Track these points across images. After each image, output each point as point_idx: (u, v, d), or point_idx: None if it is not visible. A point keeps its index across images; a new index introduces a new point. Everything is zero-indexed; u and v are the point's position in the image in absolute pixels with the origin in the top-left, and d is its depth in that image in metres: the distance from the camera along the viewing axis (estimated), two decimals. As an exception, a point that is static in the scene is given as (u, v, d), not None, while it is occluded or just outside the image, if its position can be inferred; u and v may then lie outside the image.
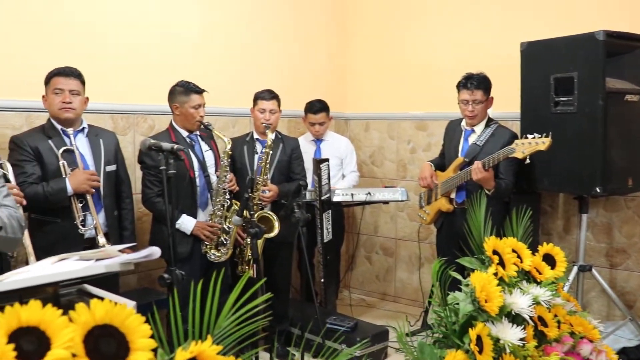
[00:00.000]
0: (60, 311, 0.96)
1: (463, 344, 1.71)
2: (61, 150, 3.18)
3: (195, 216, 3.66)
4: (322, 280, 4.40)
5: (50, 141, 3.19)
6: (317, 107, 4.79)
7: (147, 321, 1.02)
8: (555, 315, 1.94)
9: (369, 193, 4.49)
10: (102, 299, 1.39)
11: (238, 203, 3.66)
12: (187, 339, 1.13)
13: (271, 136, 3.92)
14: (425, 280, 5.07)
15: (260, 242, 3.81)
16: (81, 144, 3.30)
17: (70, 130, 3.24)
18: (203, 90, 3.70)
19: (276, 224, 3.82)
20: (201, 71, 4.19)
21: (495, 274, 1.92)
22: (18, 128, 3.54)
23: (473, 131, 4.00)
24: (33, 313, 0.93)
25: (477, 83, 3.91)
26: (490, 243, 2.05)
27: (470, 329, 1.68)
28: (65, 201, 3.13)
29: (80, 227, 3.16)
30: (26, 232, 2.58)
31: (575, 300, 2.16)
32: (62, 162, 3.17)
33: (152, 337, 1.01)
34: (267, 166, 3.91)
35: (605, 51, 3.57)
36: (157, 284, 2.63)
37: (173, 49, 4.30)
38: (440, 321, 1.87)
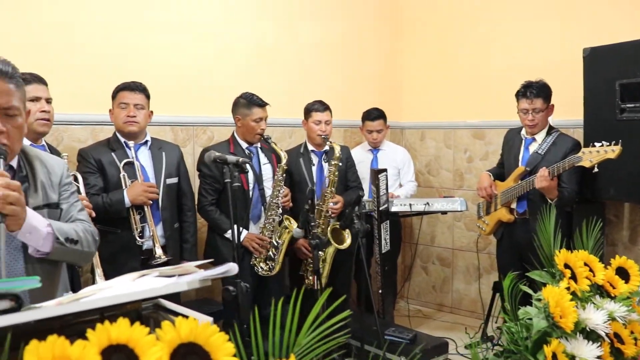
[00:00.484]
0: (148, 329, 0.97)
1: (536, 361, 1.66)
2: (123, 162, 3.26)
3: (247, 228, 3.69)
4: (380, 291, 4.36)
5: (113, 154, 3.28)
6: (374, 114, 4.79)
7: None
8: (632, 332, 1.87)
9: (428, 203, 4.45)
10: (176, 313, 1.41)
11: (290, 218, 3.67)
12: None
13: (338, 147, 3.93)
14: (484, 292, 4.98)
15: (331, 252, 3.81)
16: (143, 157, 3.37)
17: (131, 143, 3.32)
18: (265, 104, 3.74)
19: (347, 236, 3.81)
20: (258, 82, 4.23)
21: (567, 288, 1.87)
22: (84, 141, 3.65)
23: (534, 140, 3.92)
24: (122, 331, 0.95)
25: (536, 91, 3.82)
26: (562, 256, 1.99)
27: (545, 346, 1.63)
28: (123, 212, 3.21)
29: (138, 238, 3.22)
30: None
31: (651, 316, 2.08)
32: (122, 174, 3.25)
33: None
34: (336, 178, 3.92)
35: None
36: (221, 295, 2.66)
37: (231, 61, 4.36)
38: (512, 336, 1.83)
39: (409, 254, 5.76)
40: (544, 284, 1.91)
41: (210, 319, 1.28)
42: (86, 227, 1.94)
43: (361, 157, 4.74)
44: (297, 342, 1.11)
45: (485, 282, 5.10)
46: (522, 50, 4.83)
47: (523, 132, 3.99)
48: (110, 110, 3.38)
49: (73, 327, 1.24)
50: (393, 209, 4.44)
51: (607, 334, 1.76)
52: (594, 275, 1.99)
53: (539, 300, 1.84)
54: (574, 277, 1.94)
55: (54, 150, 3.10)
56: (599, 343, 1.73)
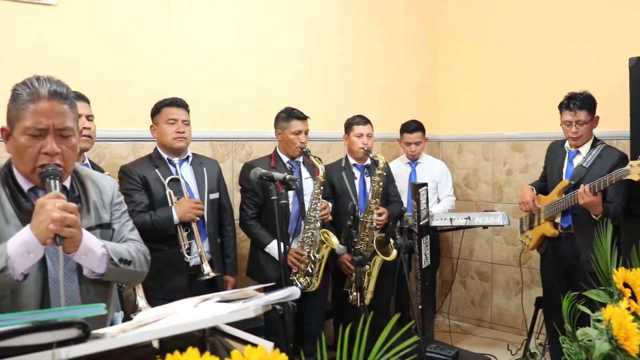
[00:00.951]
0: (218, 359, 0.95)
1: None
2: (168, 179, 3.27)
3: (287, 242, 3.66)
4: (420, 306, 4.30)
5: (157, 170, 3.28)
6: (412, 126, 4.76)
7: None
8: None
9: (469, 217, 4.38)
10: (233, 337, 1.40)
11: (328, 232, 3.64)
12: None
13: (383, 158, 3.92)
14: (525, 307, 4.88)
15: (377, 263, 3.78)
16: (186, 173, 3.38)
17: (176, 160, 3.33)
18: (305, 116, 3.74)
19: (393, 248, 3.78)
20: (296, 97, 4.23)
21: (628, 309, 1.80)
22: (125, 157, 3.68)
23: (578, 152, 3.84)
24: (193, 361, 0.93)
25: (580, 103, 3.74)
26: (620, 275, 1.93)
27: (610, 370, 1.58)
28: (172, 229, 3.21)
29: (186, 255, 3.22)
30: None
31: None
32: (168, 191, 3.25)
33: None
34: (380, 189, 3.90)
35: None
36: (265, 313, 2.64)
37: (270, 76, 4.38)
38: (571, 358, 1.77)
39: (446, 268, 5.68)
40: (602, 304, 1.85)
41: (271, 344, 1.26)
42: (138, 247, 1.94)
43: (399, 170, 4.71)
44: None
45: (525, 297, 5.00)
46: (564, 60, 4.75)
47: (567, 144, 3.91)
48: (151, 127, 3.39)
49: (132, 352, 1.23)
50: (433, 223, 4.38)
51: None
52: (654, 295, 1.92)
53: (599, 320, 1.78)
54: (633, 297, 1.88)
55: (96, 168, 3.12)
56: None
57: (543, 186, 4.09)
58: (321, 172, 3.64)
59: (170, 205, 3.22)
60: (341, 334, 1.22)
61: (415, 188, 4.03)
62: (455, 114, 5.60)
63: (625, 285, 1.91)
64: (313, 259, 3.61)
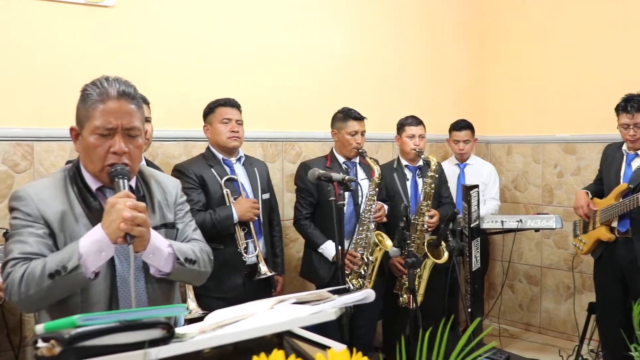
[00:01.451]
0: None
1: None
2: (224, 179, 3.29)
3: (342, 244, 3.65)
4: (469, 309, 4.25)
5: (212, 170, 3.30)
6: (462, 124, 4.77)
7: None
8: None
9: (520, 220, 4.31)
10: (303, 338, 1.39)
11: (382, 234, 3.62)
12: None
13: (435, 160, 3.90)
14: (577, 312, 4.78)
15: (428, 266, 3.75)
16: (240, 173, 3.40)
17: (232, 160, 3.35)
18: (362, 117, 3.72)
19: (444, 250, 3.74)
20: (345, 97, 4.21)
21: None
22: (177, 157, 3.72)
23: (637, 155, 3.73)
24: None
25: (638, 105, 3.65)
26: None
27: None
28: (231, 229, 3.21)
29: (244, 253, 3.24)
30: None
31: None
32: (225, 190, 3.27)
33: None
34: (432, 191, 3.87)
35: None
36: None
37: (319, 77, 4.38)
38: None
39: (493, 271, 5.60)
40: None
41: (344, 346, 1.25)
42: (202, 246, 1.95)
43: (447, 172, 4.65)
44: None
45: (577, 302, 4.90)
46: (620, 60, 4.62)
47: (624, 147, 3.81)
48: (205, 127, 3.42)
49: (206, 352, 1.23)
50: (484, 225, 4.32)
51: None
52: None
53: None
54: None
55: (152, 166, 3.16)
56: None
57: (598, 190, 3.99)
58: (377, 174, 3.62)
59: (227, 204, 3.24)
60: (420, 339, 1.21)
61: (467, 190, 3.99)
62: (505, 115, 5.51)
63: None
64: (366, 260, 3.59)
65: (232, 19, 3.95)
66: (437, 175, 3.94)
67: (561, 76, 5.04)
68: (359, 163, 3.79)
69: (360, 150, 3.66)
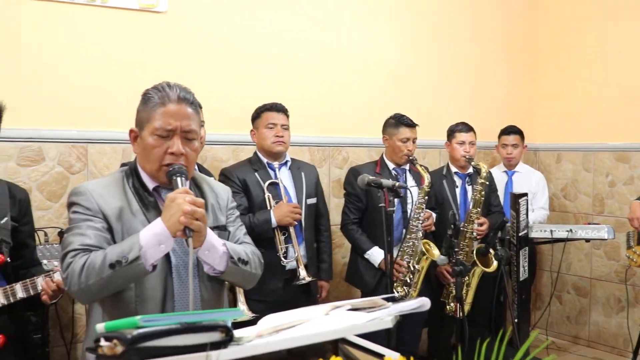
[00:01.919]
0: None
1: None
2: (267, 183, 3.31)
3: (390, 251, 3.63)
4: (516, 320, 4.17)
5: (256, 174, 3.33)
6: (511, 129, 4.73)
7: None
8: None
9: (570, 230, 4.22)
10: (355, 345, 1.38)
11: (430, 243, 3.58)
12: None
13: (485, 167, 3.86)
14: (630, 326, 4.64)
15: (477, 274, 3.70)
16: (284, 177, 3.41)
17: (276, 164, 3.37)
18: (414, 124, 3.70)
19: (494, 259, 3.69)
20: (392, 104, 4.19)
21: None
22: (225, 161, 3.77)
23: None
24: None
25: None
26: None
27: None
28: (270, 233, 3.23)
29: (283, 258, 3.25)
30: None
31: None
32: (267, 194, 3.29)
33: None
34: (482, 198, 3.83)
35: None
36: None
37: (367, 83, 4.38)
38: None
39: (540, 281, 5.49)
40: None
41: (397, 354, 1.24)
42: (253, 249, 1.98)
43: (495, 179, 4.59)
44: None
45: (630, 315, 4.76)
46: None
47: (681, 157, 3.70)
48: (252, 131, 3.45)
49: (263, 354, 1.24)
50: (532, 235, 4.24)
51: None
52: None
53: None
54: None
55: (203, 170, 3.20)
56: None
57: (654, 200, 3.89)
58: (427, 182, 3.59)
59: (269, 208, 3.26)
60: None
61: (515, 198, 3.92)
62: (554, 122, 5.40)
63: None
64: (412, 269, 3.56)
65: (282, 25, 3.99)
66: (487, 183, 3.88)
67: (614, 83, 4.92)
68: (409, 170, 3.77)
69: (410, 157, 3.64)
